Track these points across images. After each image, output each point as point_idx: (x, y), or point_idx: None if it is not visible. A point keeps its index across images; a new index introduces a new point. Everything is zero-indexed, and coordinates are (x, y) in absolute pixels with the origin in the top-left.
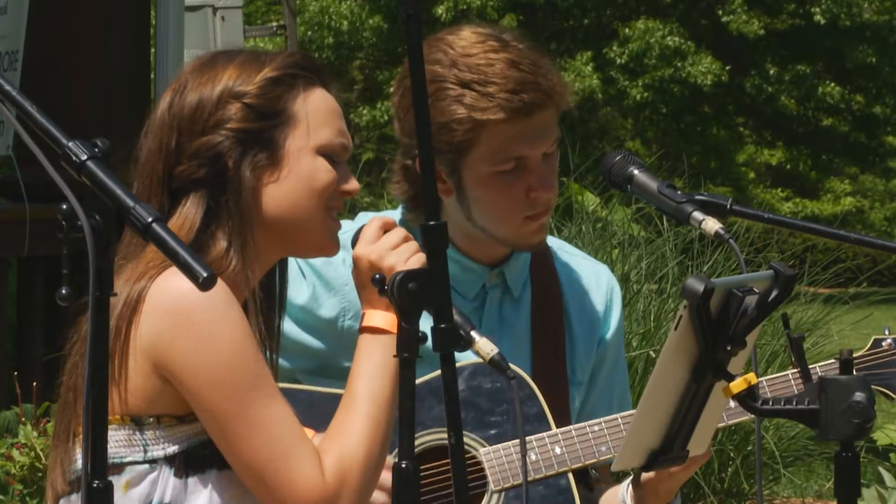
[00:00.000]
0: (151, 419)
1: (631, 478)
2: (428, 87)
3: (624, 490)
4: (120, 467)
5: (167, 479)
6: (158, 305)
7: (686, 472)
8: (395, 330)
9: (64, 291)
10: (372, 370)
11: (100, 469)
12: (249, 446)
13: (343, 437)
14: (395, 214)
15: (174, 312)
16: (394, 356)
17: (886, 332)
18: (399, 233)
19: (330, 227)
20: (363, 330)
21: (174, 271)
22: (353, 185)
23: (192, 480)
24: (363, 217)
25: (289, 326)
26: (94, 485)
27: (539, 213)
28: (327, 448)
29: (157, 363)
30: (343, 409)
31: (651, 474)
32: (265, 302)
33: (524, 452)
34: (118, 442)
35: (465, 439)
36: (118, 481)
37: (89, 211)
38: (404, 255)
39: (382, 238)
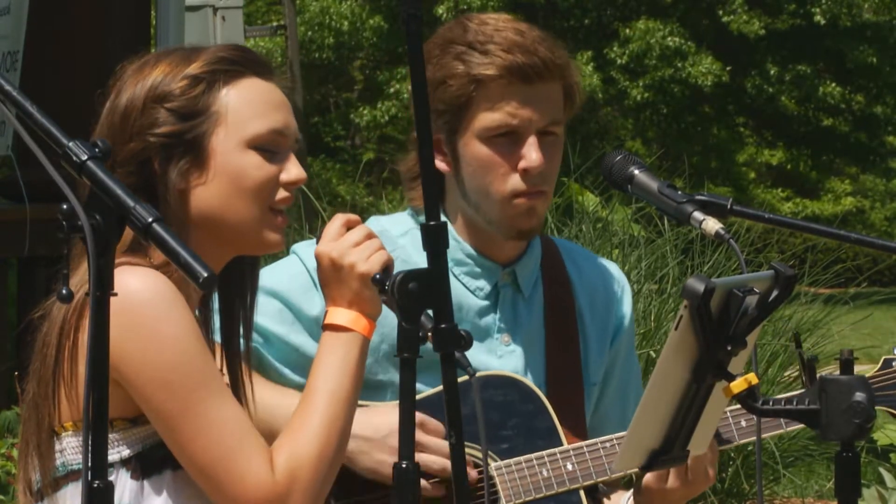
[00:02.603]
0: None
1: (630, 493)
2: (436, 50)
3: (624, 502)
4: (77, 474)
5: (124, 482)
6: None
7: (686, 491)
8: (357, 328)
9: (64, 291)
10: (331, 368)
11: (100, 469)
12: (197, 445)
13: (297, 435)
14: (403, 216)
15: (120, 313)
16: (356, 354)
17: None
18: (362, 230)
19: (269, 222)
20: (325, 327)
21: (120, 272)
22: (294, 174)
23: (149, 482)
24: (374, 222)
25: (304, 340)
26: (95, 485)
27: (529, 192)
28: (280, 446)
29: None
30: (300, 407)
31: (650, 488)
32: (224, 305)
33: (486, 461)
34: (73, 449)
35: (477, 452)
36: (75, 489)
37: (89, 211)
38: (365, 253)
39: (345, 235)
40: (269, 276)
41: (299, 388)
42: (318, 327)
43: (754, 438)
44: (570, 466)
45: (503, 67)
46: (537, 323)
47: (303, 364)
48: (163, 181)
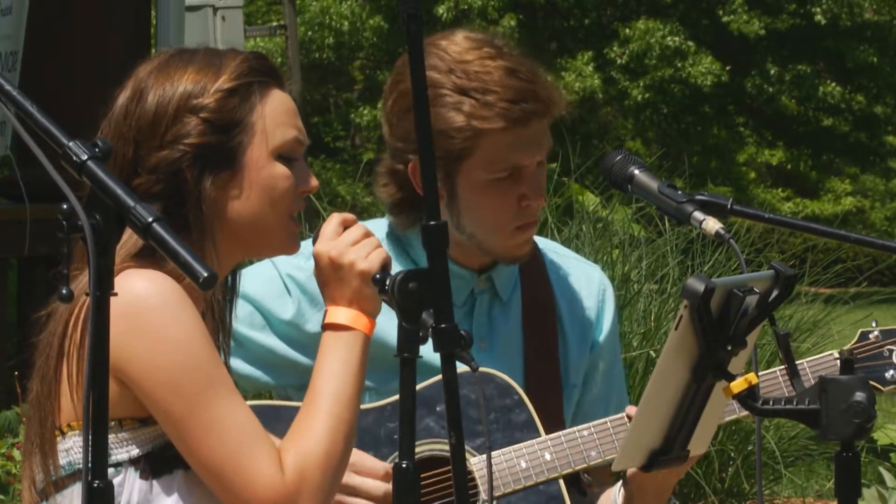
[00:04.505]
0: (113, 423)
1: (621, 482)
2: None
3: (616, 492)
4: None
5: (133, 482)
6: (113, 309)
7: (672, 474)
8: (358, 326)
9: (64, 291)
10: (334, 368)
11: (100, 469)
12: (206, 447)
13: (303, 436)
14: (384, 222)
15: (128, 315)
16: (358, 353)
17: (874, 325)
18: (359, 229)
19: (290, 229)
20: (325, 327)
21: (127, 274)
22: (311, 183)
23: (159, 482)
24: (372, 225)
25: (275, 343)
26: (95, 485)
27: (528, 224)
28: (288, 447)
29: (114, 366)
30: (305, 407)
31: (635, 472)
32: (223, 306)
33: (489, 449)
34: (80, 448)
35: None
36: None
37: (89, 211)
38: (364, 251)
39: (343, 234)
40: (243, 280)
41: (275, 389)
42: (291, 329)
43: (736, 416)
44: (548, 456)
45: (509, 119)
46: (515, 326)
47: (278, 364)
48: (196, 190)
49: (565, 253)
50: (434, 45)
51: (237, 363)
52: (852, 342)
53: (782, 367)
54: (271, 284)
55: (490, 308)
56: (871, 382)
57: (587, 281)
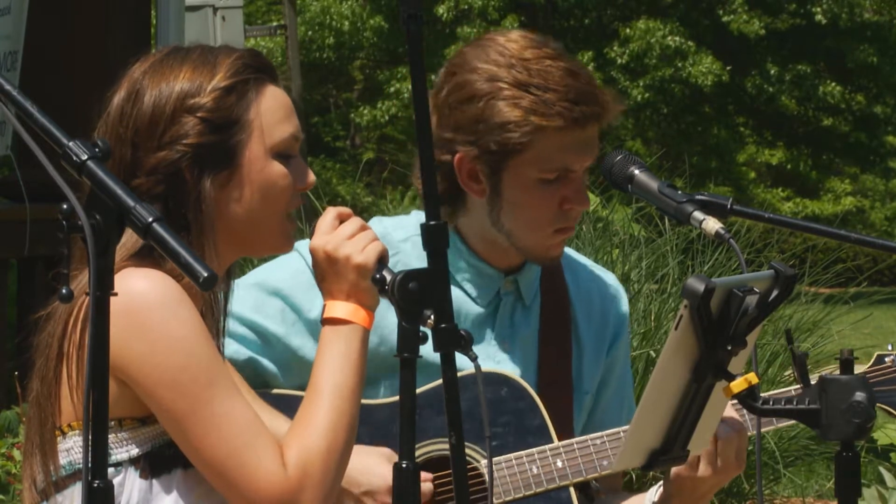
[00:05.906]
0: (113, 423)
1: (660, 483)
2: (484, 86)
3: (653, 492)
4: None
5: (133, 482)
6: (112, 308)
7: (717, 479)
8: (356, 319)
9: (64, 291)
10: (334, 361)
11: (100, 469)
12: (208, 444)
13: (305, 430)
14: (410, 219)
15: (127, 314)
16: (357, 346)
17: (890, 348)
18: (355, 222)
19: (286, 228)
20: (324, 322)
21: (126, 273)
22: (308, 180)
23: (158, 481)
24: (377, 223)
25: (302, 342)
26: (95, 485)
27: (567, 228)
28: (290, 441)
29: (114, 366)
30: (306, 401)
31: (678, 473)
32: (221, 304)
33: (490, 448)
34: (80, 448)
35: (467, 450)
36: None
37: (89, 211)
38: (360, 244)
39: (338, 228)
40: (271, 273)
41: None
42: (318, 327)
43: (766, 427)
44: (559, 463)
45: (568, 119)
46: (533, 331)
47: (298, 369)
48: (195, 190)
49: (582, 259)
50: (492, 40)
51: (265, 361)
52: (867, 365)
53: (798, 386)
54: (300, 277)
55: (513, 311)
56: (886, 407)
57: (603, 287)
